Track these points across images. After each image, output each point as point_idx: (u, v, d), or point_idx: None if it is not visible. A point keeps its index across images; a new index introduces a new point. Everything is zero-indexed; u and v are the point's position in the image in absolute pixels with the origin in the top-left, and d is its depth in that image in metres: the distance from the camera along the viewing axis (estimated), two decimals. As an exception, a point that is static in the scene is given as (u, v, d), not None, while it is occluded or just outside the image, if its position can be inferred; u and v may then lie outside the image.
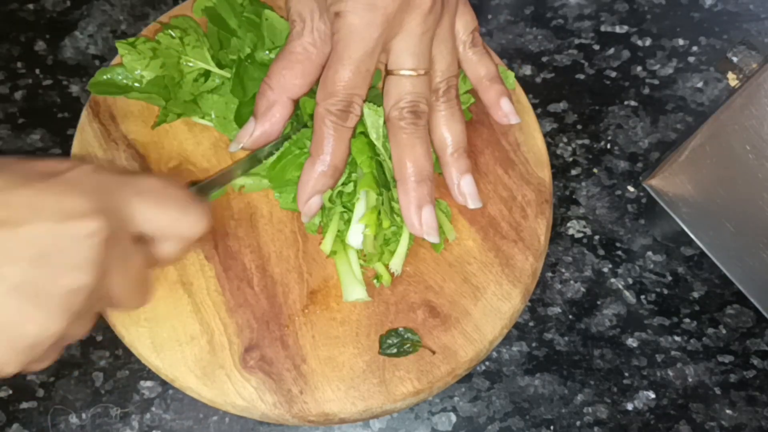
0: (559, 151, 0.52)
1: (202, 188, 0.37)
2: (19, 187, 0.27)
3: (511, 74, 0.44)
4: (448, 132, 0.39)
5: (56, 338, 0.27)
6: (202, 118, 0.41)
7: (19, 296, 0.26)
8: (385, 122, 0.38)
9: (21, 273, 0.26)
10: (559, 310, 0.47)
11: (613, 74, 0.55)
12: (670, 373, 0.45)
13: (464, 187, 0.40)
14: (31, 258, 0.26)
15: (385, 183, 0.38)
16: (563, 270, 0.48)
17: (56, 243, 0.26)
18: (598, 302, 0.47)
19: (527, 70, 0.55)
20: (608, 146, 0.52)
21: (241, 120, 0.40)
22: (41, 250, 0.26)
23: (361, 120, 0.38)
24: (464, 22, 0.41)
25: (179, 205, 0.33)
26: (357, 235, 0.37)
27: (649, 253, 0.49)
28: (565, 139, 0.52)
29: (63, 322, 0.27)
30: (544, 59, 0.55)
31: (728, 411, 0.44)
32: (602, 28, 0.57)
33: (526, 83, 0.54)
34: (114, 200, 0.30)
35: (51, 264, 0.26)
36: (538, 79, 0.54)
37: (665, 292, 0.47)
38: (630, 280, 0.48)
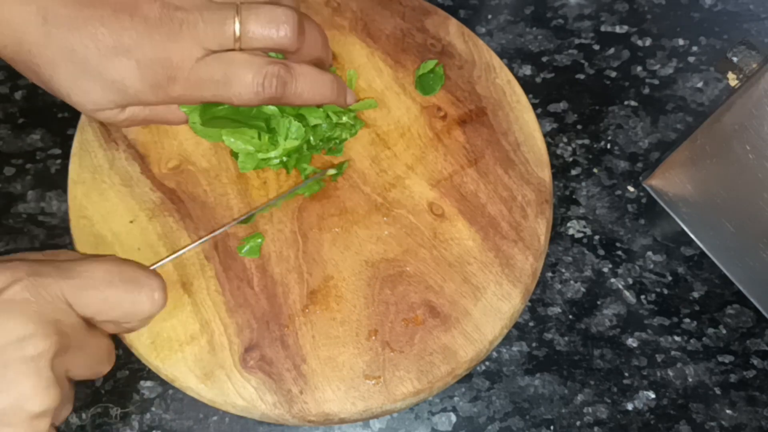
0: (559, 151, 0.52)
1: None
2: None
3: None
4: None
5: None
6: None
7: None
8: None
9: None
10: (559, 310, 0.47)
11: (613, 74, 0.55)
12: (670, 373, 0.45)
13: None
14: None
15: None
16: (563, 270, 0.48)
17: (5, 371, 0.27)
18: (598, 302, 0.47)
19: (527, 70, 0.55)
20: (608, 146, 0.52)
21: (208, 120, 0.40)
22: None
23: None
24: None
25: (128, 290, 0.32)
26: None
27: (649, 253, 0.49)
28: (565, 139, 0.52)
29: None
30: (544, 59, 0.55)
31: (728, 411, 0.44)
32: (602, 28, 0.57)
33: (526, 83, 0.54)
34: (58, 307, 0.29)
35: (7, 393, 0.26)
36: (538, 79, 0.54)
37: (665, 292, 0.47)
38: (630, 280, 0.48)
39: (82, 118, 0.42)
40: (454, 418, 0.43)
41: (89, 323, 0.32)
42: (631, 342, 0.46)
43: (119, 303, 0.32)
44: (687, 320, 0.47)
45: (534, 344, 0.45)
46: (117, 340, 0.41)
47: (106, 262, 0.33)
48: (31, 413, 0.27)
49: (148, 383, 0.43)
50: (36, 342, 0.27)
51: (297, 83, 0.37)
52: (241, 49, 0.35)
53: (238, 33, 0.34)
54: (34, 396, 0.27)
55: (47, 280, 0.30)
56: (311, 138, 0.41)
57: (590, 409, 0.44)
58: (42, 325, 0.28)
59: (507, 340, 0.45)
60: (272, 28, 0.35)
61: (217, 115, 0.39)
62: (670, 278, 0.48)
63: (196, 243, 0.38)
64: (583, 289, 0.47)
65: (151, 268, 0.36)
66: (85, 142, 0.41)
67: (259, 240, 0.39)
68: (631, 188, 0.51)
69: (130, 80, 0.34)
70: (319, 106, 0.40)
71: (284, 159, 0.40)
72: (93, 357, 0.32)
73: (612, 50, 0.56)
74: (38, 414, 0.27)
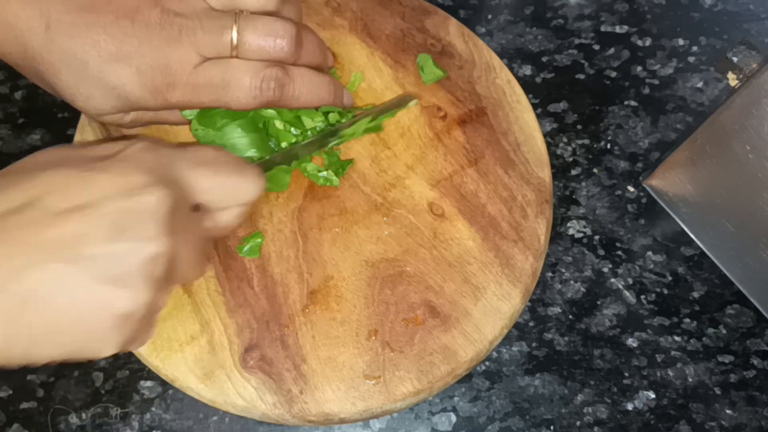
0: (559, 151, 0.52)
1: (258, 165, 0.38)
2: (81, 174, 0.28)
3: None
4: None
5: (146, 310, 0.29)
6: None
7: (103, 277, 0.27)
8: None
9: (100, 254, 0.27)
10: (559, 310, 0.47)
11: (613, 74, 0.55)
12: (670, 373, 0.45)
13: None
14: (106, 238, 0.27)
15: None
16: (563, 270, 0.48)
17: (127, 219, 0.28)
18: (598, 302, 0.47)
19: (527, 70, 0.55)
20: (608, 146, 0.52)
21: (206, 122, 0.40)
22: (114, 228, 0.27)
23: None
24: None
25: (234, 171, 0.33)
26: None
27: (649, 253, 0.49)
28: (565, 139, 0.52)
29: (149, 293, 0.28)
30: (544, 59, 0.55)
31: (728, 411, 0.44)
32: (602, 28, 0.57)
33: (526, 83, 0.54)
34: (171, 173, 0.31)
35: (126, 240, 0.27)
36: (538, 79, 0.54)
37: (665, 292, 0.47)
38: (630, 280, 0.48)
39: (82, 118, 0.42)
40: (454, 418, 0.43)
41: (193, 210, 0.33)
42: (631, 342, 0.46)
43: (224, 181, 0.33)
44: (687, 320, 0.47)
45: (534, 344, 0.45)
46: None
47: (211, 147, 0.34)
48: (147, 254, 0.28)
49: (148, 383, 0.43)
50: (156, 190, 0.29)
51: (295, 85, 0.37)
52: (237, 57, 0.35)
53: (235, 42, 0.35)
54: (152, 239, 0.28)
55: (163, 149, 0.32)
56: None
57: (590, 409, 0.44)
58: (159, 178, 0.29)
59: (507, 340, 0.45)
60: (269, 40, 0.35)
61: (215, 114, 0.39)
62: (670, 278, 0.48)
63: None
64: (583, 289, 0.47)
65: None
66: (85, 142, 0.41)
67: (259, 240, 0.39)
68: (631, 188, 0.51)
69: (129, 86, 0.34)
70: (316, 109, 0.40)
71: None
72: (195, 243, 0.32)
73: (612, 50, 0.56)
74: (153, 256, 0.28)
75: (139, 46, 0.33)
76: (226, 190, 0.33)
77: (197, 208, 0.33)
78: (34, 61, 0.34)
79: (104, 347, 0.28)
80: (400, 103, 0.43)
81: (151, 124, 0.40)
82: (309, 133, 0.40)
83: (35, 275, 0.26)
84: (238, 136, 0.39)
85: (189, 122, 0.39)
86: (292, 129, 0.40)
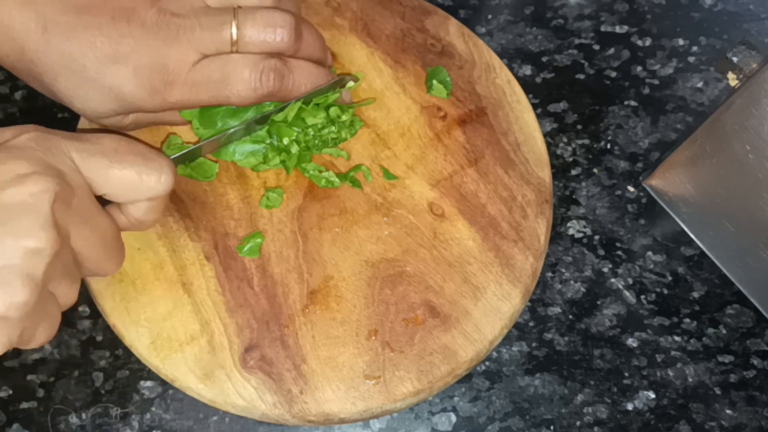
0: (559, 151, 0.52)
1: (185, 155, 0.38)
2: None
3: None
4: None
5: (24, 311, 0.26)
6: None
7: None
8: None
9: None
10: (559, 310, 0.47)
11: (613, 74, 0.55)
12: (670, 373, 0.45)
13: None
14: None
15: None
16: (563, 270, 0.48)
17: (4, 207, 0.26)
18: (598, 302, 0.47)
19: (527, 70, 0.55)
20: (608, 146, 0.52)
21: (207, 122, 0.40)
22: None
23: None
24: None
25: (138, 164, 0.31)
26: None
27: (649, 253, 0.49)
28: (565, 139, 0.52)
29: (24, 293, 0.26)
30: (544, 59, 0.55)
31: (728, 411, 0.44)
32: (602, 28, 0.57)
33: (526, 83, 0.54)
34: (61, 162, 0.29)
35: (3, 228, 0.25)
36: (538, 79, 0.54)
37: (665, 292, 0.47)
38: (630, 280, 0.48)
39: (82, 118, 0.42)
40: (454, 418, 0.43)
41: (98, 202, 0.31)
42: (631, 342, 0.46)
43: (126, 173, 0.31)
44: (687, 320, 0.47)
45: (534, 344, 0.45)
46: (117, 341, 0.41)
47: (115, 136, 0.32)
48: (26, 248, 0.26)
49: (148, 383, 0.43)
50: (36, 179, 0.27)
51: (294, 76, 0.37)
52: (237, 52, 0.35)
53: (234, 37, 0.35)
54: (31, 231, 0.26)
55: (56, 137, 0.30)
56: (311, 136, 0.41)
57: (590, 409, 0.44)
58: (42, 167, 0.27)
59: (507, 340, 0.45)
60: (269, 32, 0.35)
61: (215, 114, 0.39)
62: (670, 278, 0.48)
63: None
64: (583, 289, 0.47)
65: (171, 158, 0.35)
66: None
67: (259, 240, 0.39)
68: (631, 188, 0.51)
69: (127, 87, 0.34)
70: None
71: (284, 160, 0.40)
72: (100, 238, 0.31)
73: (612, 50, 0.56)
74: (33, 250, 0.26)
75: (136, 47, 0.33)
76: (127, 184, 0.31)
77: (103, 199, 0.31)
78: (32, 63, 0.33)
79: None
80: (336, 83, 0.41)
81: (151, 126, 0.40)
82: (310, 130, 0.40)
83: None
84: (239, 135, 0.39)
85: (188, 123, 0.39)
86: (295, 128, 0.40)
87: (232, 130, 0.39)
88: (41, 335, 0.29)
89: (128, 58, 0.33)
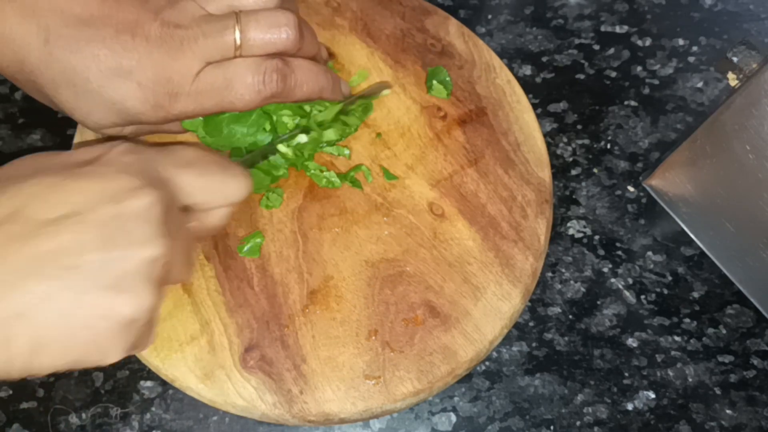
0: (559, 151, 0.52)
1: (242, 163, 0.38)
2: (64, 181, 0.27)
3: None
4: None
5: (151, 314, 0.28)
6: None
7: (104, 285, 0.26)
8: None
9: (97, 262, 0.26)
10: (559, 310, 0.47)
11: (613, 74, 0.55)
12: (670, 373, 0.45)
13: None
14: (101, 245, 0.26)
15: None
16: (563, 270, 0.48)
17: (119, 224, 0.27)
18: (598, 302, 0.47)
19: (527, 70, 0.55)
20: (608, 146, 0.52)
21: (212, 129, 0.40)
22: (108, 234, 0.27)
23: None
24: None
25: (221, 171, 0.33)
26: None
27: (649, 253, 0.49)
28: (565, 139, 0.52)
29: (151, 296, 0.28)
30: (544, 59, 0.55)
31: (728, 411, 0.44)
32: (602, 28, 0.57)
33: (526, 83, 0.54)
34: (157, 174, 0.30)
35: (121, 245, 0.27)
36: (538, 79, 0.54)
37: (665, 292, 0.47)
38: (630, 280, 0.48)
39: (79, 126, 0.42)
40: (454, 418, 0.43)
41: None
42: (631, 342, 0.46)
43: (210, 182, 0.32)
44: (687, 320, 0.47)
45: (534, 344, 0.45)
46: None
47: (194, 146, 0.33)
48: (145, 257, 0.27)
49: (148, 383, 0.43)
50: (148, 191, 0.28)
51: (296, 76, 0.37)
52: (241, 56, 0.35)
53: (238, 41, 0.34)
54: (148, 241, 0.27)
55: (146, 151, 0.31)
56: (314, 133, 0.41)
57: (590, 409, 0.44)
58: (148, 180, 0.29)
59: (507, 340, 0.45)
60: (274, 32, 0.35)
61: (221, 121, 0.39)
62: (670, 278, 0.48)
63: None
64: (583, 289, 0.47)
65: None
66: (85, 142, 0.41)
67: (259, 240, 0.39)
68: (631, 188, 0.51)
69: (131, 102, 0.34)
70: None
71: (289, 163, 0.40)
72: (185, 244, 0.32)
73: (612, 50, 0.56)
74: (151, 259, 0.27)
75: (141, 61, 0.33)
76: (213, 191, 0.33)
77: (185, 209, 0.32)
78: (32, 75, 0.33)
79: (109, 354, 0.28)
80: (373, 91, 0.43)
81: (151, 134, 0.40)
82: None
83: (29, 288, 0.25)
84: (244, 138, 0.39)
85: (186, 132, 0.39)
86: (298, 118, 0.40)
87: (281, 137, 0.39)
88: (147, 342, 0.30)
89: (132, 72, 0.33)
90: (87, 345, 0.27)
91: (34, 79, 0.33)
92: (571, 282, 0.47)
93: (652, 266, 0.48)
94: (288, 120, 0.39)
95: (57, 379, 0.43)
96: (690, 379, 0.45)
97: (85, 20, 0.33)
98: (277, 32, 0.35)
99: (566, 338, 0.46)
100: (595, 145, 0.52)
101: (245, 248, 0.39)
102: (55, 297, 0.26)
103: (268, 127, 0.39)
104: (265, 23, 0.35)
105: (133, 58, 0.33)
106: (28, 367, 0.26)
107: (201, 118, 0.38)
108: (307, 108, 0.40)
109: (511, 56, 0.55)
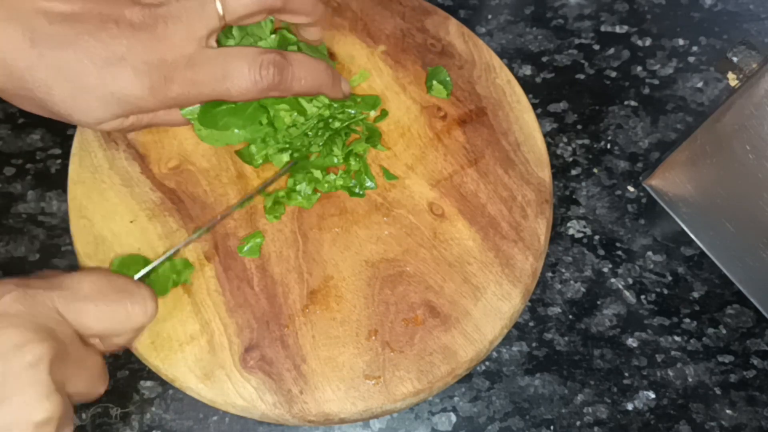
0: (559, 151, 0.52)
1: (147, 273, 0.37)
2: None
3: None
4: None
5: None
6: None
7: None
8: None
9: None
10: (559, 310, 0.47)
11: (613, 74, 0.55)
12: (670, 373, 0.45)
13: None
14: None
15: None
16: (563, 270, 0.48)
17: (6, 385, 0.26)
18: (598, 302, 0.47)
19: (527, 70, 0.55)
20: (608, 146, 0.52)
21: (209, 121, 0.40)
22: None
23: None
24: None
25: (123, 299, 0.32)
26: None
27: (649, 253, 0.49)
28: (565, 139, 0.52)
29: None
30: (544, 59, 0.55)
31: (728, 411, 0.44)
32: (602, 28, 0.57)
33: (526, 83, 0.54)
34: (50, 319, 0.29)
35: (8, 410, 0.26)
36: (538, 79, 0.54)
37: (665, 292, 0.47)
38: (630, 280, 0.48)
39: (78, 130, 0.42)
40: (454, 418, 0.43)
41: (82, 339, 0.31)
42: (631, 342, 0.46)
43: (112, 313, 0.32)
44: (687, 320, 0.47)
45: (534, 344, 0.45)
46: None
47: (93, 274, 0.32)
48: (35, 422, 0.26)
49: (148, 383, 0.43)
50: (33, 347, 0.27)
51: (293, 68, 0.36)
52: (229, 26, 0.35)
53: (221, 11, 0.34)
54: (36, 404, 0.26)
55: (38, 291, 0.29)
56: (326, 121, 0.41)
57: (590, 409, 0.44)
58: (36, 332, 0.27)
59: (507, 340, 0.45)
60: None
61: (217, 113, 0.39)
62: (670, 278, 0.48)
63: (175, 248, 0.37)
64: (583, 289, 0.47)
65: (136, 278, 0.35)
66: (84, 142, 0.41)
67: (259, 240, 0.39)
68: (631, 188, 0.51)
69: (129, 88, 0.33)
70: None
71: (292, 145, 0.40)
72: (89, 373, 0.31)
73: (612, 50, 0.56)
74: (42, 422, 0.26)
75: (130, 46, 0.33)
76: (115, 321, 0.32)
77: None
78: (22, 80, 0.32)
79: None
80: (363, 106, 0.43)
81: (150, 127, 0.40)
82: (312, 122, 0.40)
83: None
84: (239, 134, 0.39)
85: (188, 122, 0.39)
86: (295, 113, 0.40)
87: (194, 235, 0.38)
88: None
89: (125, 58, 0.33)
90: None
91: (23, 84, 0.33)
92: (571, 282, 0.47)
93: (652, 266, 0.48)
94: (285, 115, 0.39)
95: (57, 379, 0.43)
96: (690, 379, 0.45)
97: (68, 17, 0.32)
98: None
99: (566, 338, 0.46)
100: (595, 145, 0.52)
101: (245, 248, 0.39)
102: None
103: (264, 120, 0.39)
104: None
105: (122, 44, 0.33)
106: None
107: (199, 106, 0.38)
108: (305, 105, 0.40)
109: (511, 56, 0.55)
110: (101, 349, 0.33)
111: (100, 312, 0.31)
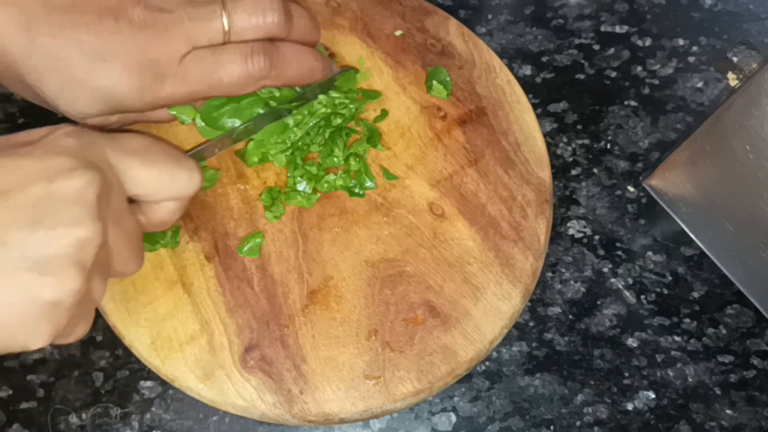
0: (559, 151, 0.52)
1: (193, 156, 0.37)
2: (1, 161, 0.27)
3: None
4: None
5: (75, 299, 0.27)
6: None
7: (27, 265, 0.26)
8: None
9: (22, 241, 0.26)
10: (559, 310, 0.47)
11: (613, 74, 0.55)
12: (670, 373, 0.45)
13: None
14: (28, 224, 0.26)
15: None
16: (563, 270, 0.48)
17: (50, 203, 0.26)
18: (598, 302, 0.47)
19: (527, 70, 0.55)
20: (608, 146, 0.52)
21: (212, 121, 0.40)
22: (37, 213, 0.26)
23: None
24: None
25: (171, 162, 0.32)
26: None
27: (649, 253, 0.49)
28: (565, 139, 0.52)
29: (77, 280, 0.27)
30: (544, 59, 0.55)
31: (728, 411, 0.44)
32: (602, 28, 0.57)
33: (526, 83, 0.54)
34: (101, 158, 0.29)
35: (50, 225, 0.26)
36: (538, 79, 0.54)
37: (665, 292, 0.47)
38: (630, 280, 0.48)
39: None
40: (454, 418, 0.43)
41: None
42: (631, 342, 0.46)
43: (158, 172, 0.32)
44: (687, 320, 0.47)
45: (534, 344, 0.45)
46: (117, 340, 0.41)
47: (144, 135, 0.33)
48: (78, 238, 0.26)
49: (148, 383, 0.43)
50: (83, 173, 0.27)
51: (283, 54, 0.36)
52: (230, 41, 0.35)
53: (226, 27, 0.34)
54: (81, 222, 0.27)
55: (92, 134, 0.30)
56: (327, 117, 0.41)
57: (590, 409, 0.44)
58: (86, 162, 0.28)
59: (507, 340, 0.45)
60: (259, 15, 0.35)
61: (218, 116, 0.39)
62: (670, 278, 0.48)
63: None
64: (583, 289, 0.47)
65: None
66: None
67: (259, 240, 0.39)
68: (631, 188, 0.51)
69: (117, 86, 0.33)
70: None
71: (296, 142, 0.40)
72: (128, 236, 0.31)
73: (612, 50, 0.56)
74: (83, 240, 0.27)
75: (125, 44, 0.33)
76: (161, 183, 0.32)
77: (132, 201, 0.32)
78: (15, 65, 0.32)
79: (33, 339, 0.27)
80: (341, 74, 0.42)
81: (137, 123, 0.40)
82: (316, 119, 0.40)
83: None
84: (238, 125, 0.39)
85: (174, 119, 0.39)
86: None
87: (241, 126, 0.39)
88: (80, 329, 0.30)
89: (117, 55, 0.33)
90: (9, 327, 0.26)
91: (16, 69, 0.33)
92: (571, 282, 0.47)
93: (652, 266, 0.48)
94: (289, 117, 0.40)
95: (57, 379, 0.43)
96: (690, 379, 0.45)
97: (67, 6, 0.32)
98: (263, 16, 0.35)
99: (566, 338, 0.46)
100: (595, 145, 0.52)
101: (245, 248, 0.39)
102: None
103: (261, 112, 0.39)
104: (251, 7, 0.35)
105: (118, 41, 0.33)
106: None
107: (189, 105, 0.38)
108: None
109: (511, 56, 0.55)
110: (143, 223, 0.33)
111: (146, 169, 0.31)
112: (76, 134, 0.29)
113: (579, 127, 0.53)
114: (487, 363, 0.45)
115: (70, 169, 0.27)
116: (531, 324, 0.46)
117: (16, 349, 0.27)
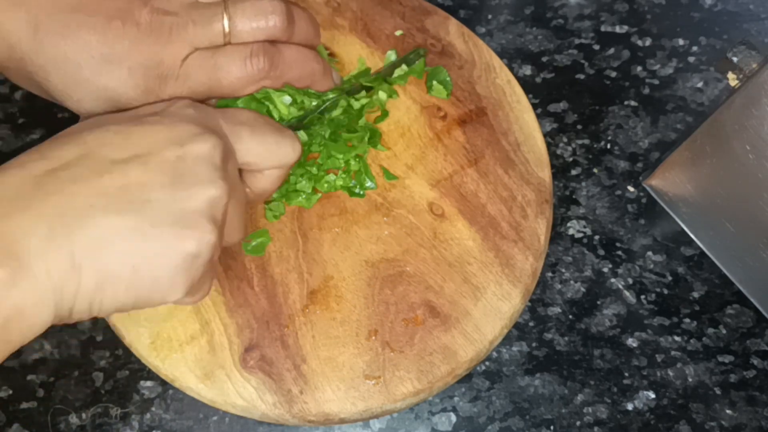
0: (559, 151, 0.52)
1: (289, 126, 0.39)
2: (133, 128, 0.30)
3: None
4: None
5: (212, 252, 0.29)
6: None
7: (170, 220, 0.28)
8: None
9: (163, 199, 0.28)
10: (559, 310, 0.47)
11: (613, 74, 0.55)
12: (670, 373, 0.45)
13: None
14: (167, 183, 0.28)
15: None
16: (563, 270, 0.48)
17: (184, 164, 0.29)
18: (598, 302, 0.47)
19: (527, 70, 0.55)
20: (608, 146, 0.52)
21: None
22: (174, 174, 0.29)
23: None
24: None
25: (275, 133, 0.34)
26: None
27: (649, 253, 0.49)
28: (565, 139, 0.52)
29: (214, 233, 0.29)
30: (544, 59, 0.55)
31: (728, 411, 0.44)
32: (602, 28, 0.57)
33: (526, 83, 0.54)
34: (218, 127, 0.32)
35: (186, 184, 0.29)
36: (538, 79, 0.54)
37: (665, 292, 0.47)
38: (630, 280, 0.48)
39: (82, 118, 0.42)
40: (454, 418, 0.43)
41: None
42: (631, 342, 0.46)
43: (264, 141, 0.34)
44: (687, 320, 0.47)
45: (534, 344, 0.45)
46: (117, 340, 0.41)
47: (249, 110, 0.36)
48: (210, 196, 0.29)
49: (148, 383, 0.43)
50: (209, 137, 0.30)
51: (283, 55, 0.37)
52: (230, 44, 0.36)
53: (227, 29, 0.35)
54: (212, 181, 0.29)
55: (206, 108, 0.33)
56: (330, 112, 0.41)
57: (590, 409, 0.44)
58: (210, 128, 0.31)
59: (507, 340, 0.45)
60: (261, 20, 0.35)
61: None
62: (670, 278, 0.48)
63: None
64: (583, 289, 0.47)
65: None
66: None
67: (265, 239, 0.39)
68: (631, 188, 0.51)
69: (122, 89, 0.34)
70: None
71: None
72: (240, 203, 0.33)
73: (612, 50, 0.56)
74: (215, 197, 0.29)
75: (131, 48, 0.33)
76: (266, 151, 0.34)
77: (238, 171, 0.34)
78: (23, 62, 0.33)
79: (171, 291, 0.29)
80: (413, 56, 0.43)
81: None
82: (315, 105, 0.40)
83: (97, 223, 0.26)
84: None
85: None
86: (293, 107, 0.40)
87: (329, 100, 0.40)
88: (206, 287, 0.32)
89: (123, 58, 0.33)
90: (150, 281, 0.28)
91: (24, 66, 0.33)
92: (571, 282, 0.47)
93: (652, 266, 0.48)
94: (283, 108, 0.39)
95: (57, 379, 0.43)
96: (690, 379, 0.45)
97: (75, 7, 0.33)
98: (264, 20, 0.35)
99: (566, 338, 0.46)
100: (595, 145, 0.52)
101: (250, 246, 0.39)
102: (121, 231, 0.27)
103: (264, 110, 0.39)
104: (252, 11, 0.35)
105: (124, 44, 0.33)
106: (89, 306, 0.27)
107: None
108: (303, 98, 0.40)
109: (511, 56, 0.55)
110: (250, 196, 0.36)
111: (254, 138, 0.33)
112: (194, 106, 0.32)
113: (579, 127, 0.53)
114: (487, 363, 0.45)
115: (196, 134, 0.30)
116: (531, 324, 0.46)
117: (154, 303, 0.29)
